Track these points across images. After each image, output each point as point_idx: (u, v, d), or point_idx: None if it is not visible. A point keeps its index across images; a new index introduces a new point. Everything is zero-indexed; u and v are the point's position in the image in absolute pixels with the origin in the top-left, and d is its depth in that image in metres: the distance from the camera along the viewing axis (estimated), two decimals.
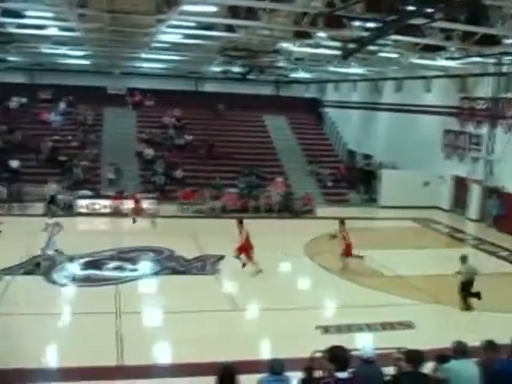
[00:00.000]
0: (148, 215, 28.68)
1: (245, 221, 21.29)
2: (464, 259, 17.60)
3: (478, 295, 17.40)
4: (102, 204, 30.95)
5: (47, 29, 26.05)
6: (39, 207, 29.75)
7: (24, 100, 41.65)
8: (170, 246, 23.39)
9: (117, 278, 19.88)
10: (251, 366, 11.10)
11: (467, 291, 17.39)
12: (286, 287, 19.50)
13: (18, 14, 22.60)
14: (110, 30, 23.80)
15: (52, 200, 30.22)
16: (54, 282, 19.33)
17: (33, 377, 12.58)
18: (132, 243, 24.18)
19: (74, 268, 20.79)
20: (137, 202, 28.89)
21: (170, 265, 21.48)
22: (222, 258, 22.14)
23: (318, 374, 9.27)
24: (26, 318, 15.66)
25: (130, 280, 19.76)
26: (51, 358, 13.96)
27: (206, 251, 23.09)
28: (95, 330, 14.95)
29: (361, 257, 21.88)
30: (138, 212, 28.29)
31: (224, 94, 44.27)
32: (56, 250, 20.80)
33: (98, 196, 32.00)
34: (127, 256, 22.40)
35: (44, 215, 25.26)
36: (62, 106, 41.45)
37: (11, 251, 21.57)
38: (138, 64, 40.60)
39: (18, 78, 46.37)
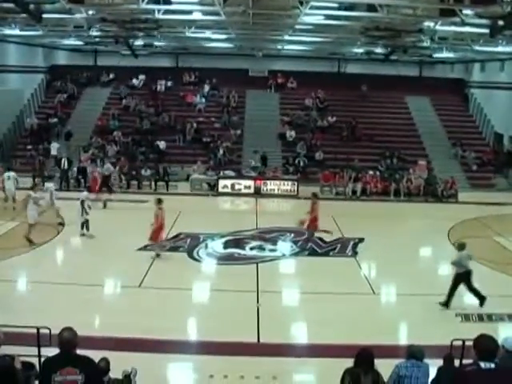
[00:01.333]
0: None
1: (387, 204, 20.87)
2: (461, 247, 15.88)
3: (481, 298, 15.65)
4: (244, 184, 31.51)
5: (192, 14, 26.72)
6: (184, 186, 30.77)
7: (170, 83, 43.19)
8: None
9: (257, 257, 20.27)
10: (389, 351, 11.02)
11: (468, 286, 15.62)
12: (426, 273, 19.05)
13: (165, 1, 23.35)
14: (253, 12, 24.05)
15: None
16: (196, 260, 20.00)
17: (173, 348, 13.11)
18: (273, 223, 24.51)
19: (217, 246, 21.38)
20: None
21: (309, 246, 21.58)
22: (361, 240, 22.01)
23: (457, 362, 9.04)
24: (169, 293, 16.35)
25: (269, 260, 20.08)
26: (192, 332, 14.52)
27: (345, 233, 23.02)
28: (235, 307, 15.36)
29: (329, 232, 21.90)
30: None
31: (366, 75, 43.62)
32: None
33: (240, 176, 32.61)
34: (267, 236, 22.74)
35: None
36: (206, 88, 42.52)
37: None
38: (280, 46, 40.77)
39: (164, 62, 47.91)
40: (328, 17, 25.68)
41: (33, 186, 22.40)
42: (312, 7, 22.68)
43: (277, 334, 13.73)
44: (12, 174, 26.46)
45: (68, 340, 6.51)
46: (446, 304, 15.55)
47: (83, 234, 21.81)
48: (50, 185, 25.93)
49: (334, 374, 8.42)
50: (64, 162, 31.81)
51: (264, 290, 16.64)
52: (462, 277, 15.53)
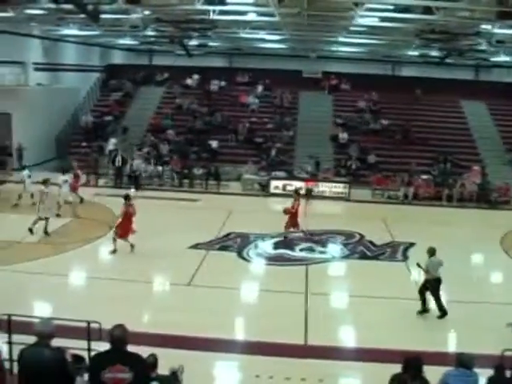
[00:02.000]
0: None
1: (439, 209, 20.54)
2: (431, 252, 15.37)
3: (425, 309, 15.31)
4: (296, 185, 31.39)
5: (247, 14, 26.85)
6: (235, 186, 30.95)
7: (223, 83, 43.40)
8: (360, 231, 23.36)
9: (307, 258, 20.23)
10: (437, 358, 10.88)
11: (435, 294, 15.19)
12: (477, 280, 18.77)
13: (220, 1, 23.51)
14: (307, 14, 24.03)
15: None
16: (246, 259, 20.08)
17: (220, 346, 13.15)
18: (324, 226, 24.43)
19: (267, 246, 21.41)
20: None
21: (359, 249, 21.45)
22: (412, 245, 21.75)
23: (509, 373, 8.84)
24: (218, 292, 16.44)
25: (319, 262, 20.02)
26: (238, 331, 14.63)
27: (396, 237, 22.80)
28: (284, 308, 15.33)
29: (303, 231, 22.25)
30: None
31: (421, 78, 43.13)
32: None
33: (292, 177, 32.55)
34: (318, 238, 22.67)
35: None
36: (260, 89, 42.61)
37: (208, 227, 22.64)
38: (334, 48, 40.63)
39: (218, 62, 48.29)
40: (383, 19, 25.52)
41: (45, 180, 22.82)
42: (367, 9, 22.57)
43: (324, 337, 13.68)
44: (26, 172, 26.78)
45: (119, 337, 6.61)
46: (425, 309, 15.39)
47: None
48: (65, 177, 26.23)
49: (381, 379, 8.37)
50: (118, 160, 32.23)
51: (313, 292, 16.60)
52: (430, 283, 15.24)
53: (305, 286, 17.18)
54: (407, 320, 14.89)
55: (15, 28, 34.30)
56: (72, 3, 22.51)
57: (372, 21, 26.25)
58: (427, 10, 22.86)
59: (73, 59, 44.42)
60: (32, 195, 24.44)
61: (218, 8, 24.60)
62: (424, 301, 15.32)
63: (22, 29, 35.42)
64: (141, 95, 42.97)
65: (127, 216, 19.77)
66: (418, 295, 15.40)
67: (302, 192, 22.56)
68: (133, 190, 22.88)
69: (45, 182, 22.14)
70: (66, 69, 43.40)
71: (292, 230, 22.23)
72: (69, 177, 26.24)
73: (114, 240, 19.77)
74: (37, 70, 38.50)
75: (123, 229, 19.73)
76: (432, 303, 15.33)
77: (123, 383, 6.50)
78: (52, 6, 24.51)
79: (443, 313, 15.12)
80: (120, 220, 19.89)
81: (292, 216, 22.00)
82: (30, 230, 21.07)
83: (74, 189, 25.71)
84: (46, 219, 21.33)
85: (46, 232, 21.26)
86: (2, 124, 33.82)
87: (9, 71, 35.38)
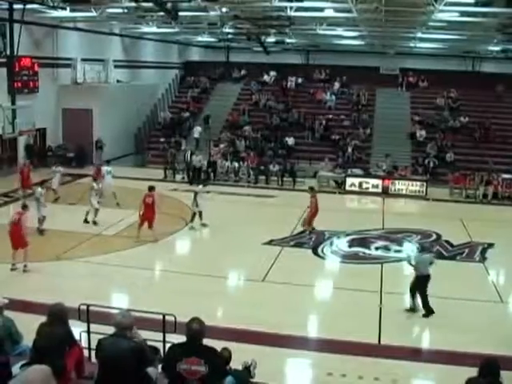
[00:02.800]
0: None
1: None
2: (422, 249, 14.87)
3: (412, 309, 15.04)
4: (372, 183, 31.15)
5: (324, 11, 26.75)
6: (311, 183, 30.90)
7: (300, 80, 43.40)
8: (437, 230, 22.95)
9: (382, 257, 20.04)
10: None
11: (422, 292, 14.83)
12: None
13: None
14: (385, 9, 23.78)
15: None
16: (321, 257, 20.02)
17: (292, 343, 13.20)
18: (400, 224, 24.15)
19: (342, 244, 21.32)
20: None
21: (436, 249, 21.05)
22: (490, 245, 21.24)
23: None
24: (292, 288, 16.51)
25: (394, 261, 19.78)
26: (311, 328, 14.60)
27: (474, 238, 22.29)
28: (357, 306, 15.27)
29: (312, 229, 22.04)
30: None
31: (502, 74, 41.97)
32: None
33: (368, 175, 32.28)
34: (394, 237, 22.41)
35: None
36: (336, 85, 42.39)
37: (283, 223, 22.68)
38: (412, 44, 40.06)
39: (295, 59, 48.34)
40: (463, 13, 25.01)
41: (94, 178, 23.38)
42: (447, 3, 22.15)
43: (398, 337, 13.54)
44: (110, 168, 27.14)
45: (196, 330, 6.70)
46: (412, 308, 15.10)
47: (203, 224, 22.43)
48: (109, 168, 26.81)
49: (456, 382, 8.20)
50: (187, 155, 32.69)
51: (387, 291, 16.41)
52: (419, 279, 14.92)
53: (379, 284, 17.00)
54: (484, 323, 14.50)
55: (97, 27, 35.29)
56: (151, 1, 22.95)
57: (451, 15, 25.74)
58: (510, 3, 22.25)
59: (151, 56, 45.31)
60: (115, 194, 25.15)
61: (296, 5, 24.65)
62: (413, 298, 15.09)
63: (104, 27, 36.40)
64: (218, 92, 43.45)
65: (152, 206, 20.44)
66: (409, 292, 15.20)
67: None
68: (200, 187, 23.11)
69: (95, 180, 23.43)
70: (144, 66, 44.29)
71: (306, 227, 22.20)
72: (113, 168, 26.96)
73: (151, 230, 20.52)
74: (117, 67, 39.42)
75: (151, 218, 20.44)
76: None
77: (198, 375, 6.59)
78: (132, 4, 25.08)
79: (428, 311, 14.87)
80: (146, 211, 20.48)
81: (312, 214, 22.02)
82: (94, 222, 22.03)
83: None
84: (96, 210, 22.18)
85: (88, 221, 22.19)
86: (84, 120, 34.75)
87: (90, 68, 36.40)
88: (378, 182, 31.03)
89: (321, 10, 26.61)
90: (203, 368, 6.57)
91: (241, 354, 9.28)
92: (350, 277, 18.05)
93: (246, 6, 26.60)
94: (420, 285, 14.96)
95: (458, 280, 17.64)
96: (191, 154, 32.46)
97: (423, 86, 42.65)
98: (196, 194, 22.38)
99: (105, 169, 26.53)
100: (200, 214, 22.19)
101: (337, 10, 26.07)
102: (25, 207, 17.58)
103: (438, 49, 42.32)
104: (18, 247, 16.81)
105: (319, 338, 13.81)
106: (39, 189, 21.18)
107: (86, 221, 22.09)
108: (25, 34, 29.87)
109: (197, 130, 37.55)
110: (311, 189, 23.10)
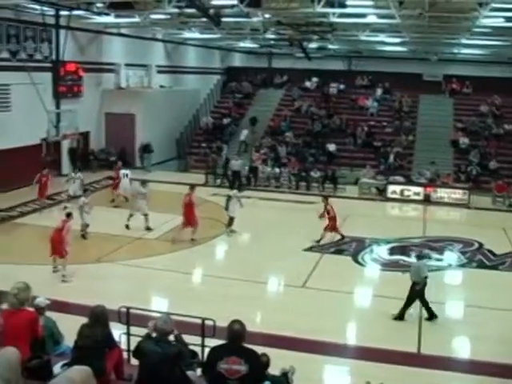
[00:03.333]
0: None
1: None
2: (418, 257, 15.16)
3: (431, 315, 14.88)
4: (414, 191, 30.89)
5: (367, 17, 26.67)
6: (352, 189, 30.80)
7: (342, 86, 43.25)
8: (479, 239, 22.65)
9: None
10: None
11: (410, 298, 14.78)
12: None
13: (340, 4, 23.48)
14: (429, 15, 23.61)
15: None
16: (361, 264, 19.96)
17: (330, 350, 13.21)
18: (441, 232, 23.90)
19: (382, 252, 21.19)
20: None
21: (478, 258, 20.81)
22: None
23: None
24: (331, 295, 16.49)
25: (435, 269, 19.56)
26: (350, 335, 14.56)
27: None
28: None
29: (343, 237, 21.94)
30: None
31: None
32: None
33: (410, 182, 32.02)
34: (435, 245, 22.18)
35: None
36: (379, 92, 42.15)
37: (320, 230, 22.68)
38: (455, 50, 39.68)
39: (337, 65, 48.22)
40: (509, 19, 24.68)
41: (142, 181, 23.49)
42: (492, 9, 21.91)
43: (438, 346, 13.41)
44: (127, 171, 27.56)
45: (237, 331, 6.81)
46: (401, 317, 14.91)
47: (231, 231, 22.50)
48: (126, 171, 27.25)
49: None
50: (224, 160, 32.92)
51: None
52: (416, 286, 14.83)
53: None
54: None
55: (140, 33, 35.72)
56: (194, 7, 23.14)
57: (497, 21, 25.44)
58: None
59: (194, 62, 45.67)
60: (126, 198, 25.47)
61: (338, 11, 24.59)
62: (428, 308, 14.96)
63: (147, 33, 36.83)
64: (260, 97, 43.51)
65: (190, 205, 20.83)
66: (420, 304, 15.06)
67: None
68: (235, 191, 23.20)
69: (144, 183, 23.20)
70: (187, 71, 44.65)
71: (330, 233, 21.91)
72: (129, 171, 27.26)
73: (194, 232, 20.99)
74: (159, 72, 39.83)
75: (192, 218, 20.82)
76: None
77: (238, 375, 6.67)
78: (175, 10, 25.33)
79: (400, 316, 14.78)
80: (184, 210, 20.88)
81: (331, 219, 21.73)
82: (127, 226, 22.10)
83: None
84: (145, 215, 22.25)
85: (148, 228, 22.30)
86: (127, 124, 35.20)
87: (133, 73, 36.88)
88: (420, 189, 30.76)
89: (363, 16, 26.52)
90: (243, 368, 6.66)
91: (279, 360, 9.30)
92: (390, 284, 17.88)
93: (289, 12, 26.65)
94: (411, 291, 14.95)
95: (499, 290, 17.38)
96: (229, 159, 32.66)
97: (467, 92, 42.12)
98: (229, 197, 22.51)
99: (122, 172, 26.89)
100: (231, 219, 22.32)
101: (380, 16, 25.95)
102: (69, 215, 17.69)
103: (482, 55, 41.81)
104: (55, 254, 17.03)
105: (357, 346, 13.76)
106: (82, 198, 21.45)
107: (127, 227, 22.16)
108: (70, 39, 30.46)
109: (243, 133, 37.89)
110: (325, 197, 22.81)
